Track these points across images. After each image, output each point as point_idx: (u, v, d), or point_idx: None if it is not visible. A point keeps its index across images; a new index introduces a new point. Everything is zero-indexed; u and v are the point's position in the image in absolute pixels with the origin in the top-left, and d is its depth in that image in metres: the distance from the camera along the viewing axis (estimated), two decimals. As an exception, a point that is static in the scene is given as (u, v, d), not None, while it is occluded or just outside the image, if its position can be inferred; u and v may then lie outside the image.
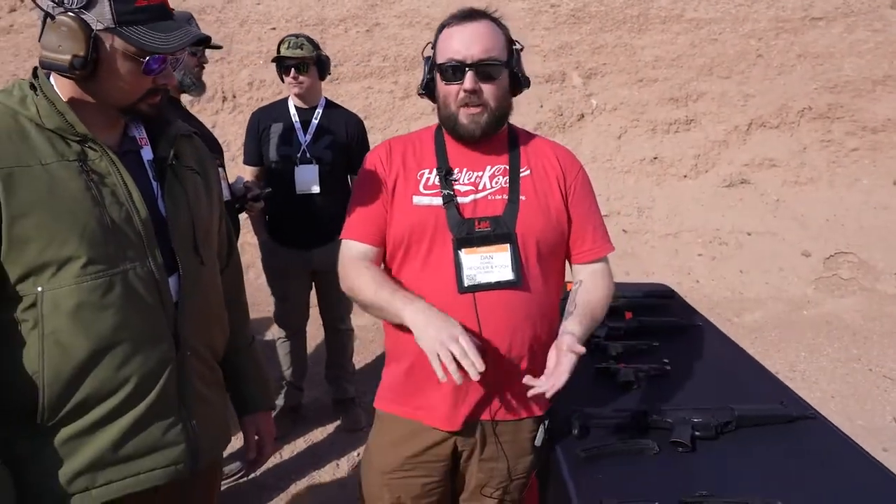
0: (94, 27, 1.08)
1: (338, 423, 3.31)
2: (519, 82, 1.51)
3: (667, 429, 1.57)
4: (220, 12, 6.56)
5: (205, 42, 1.23)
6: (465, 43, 1.42)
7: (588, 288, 1.53)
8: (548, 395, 1.32)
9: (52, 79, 1.17)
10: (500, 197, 1.49)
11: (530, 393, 1.34)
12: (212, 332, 1.36)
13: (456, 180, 1.50)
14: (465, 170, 1.51)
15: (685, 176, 6.14)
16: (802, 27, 6.90)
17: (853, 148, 6.27)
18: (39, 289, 1.07)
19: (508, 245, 1.43)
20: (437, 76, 1.48)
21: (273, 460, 3.01)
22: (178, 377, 1.24)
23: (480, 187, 1.50)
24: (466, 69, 1.41)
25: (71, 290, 1.09)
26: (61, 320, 1.09)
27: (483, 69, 1.42)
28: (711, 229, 5.63)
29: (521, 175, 1.52)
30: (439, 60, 1.45)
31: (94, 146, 1.15)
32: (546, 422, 1.54)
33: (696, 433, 1.56)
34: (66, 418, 1.13)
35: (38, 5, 1.09)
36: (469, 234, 1.43)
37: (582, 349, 1.35)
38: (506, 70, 1.46)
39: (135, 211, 1.17)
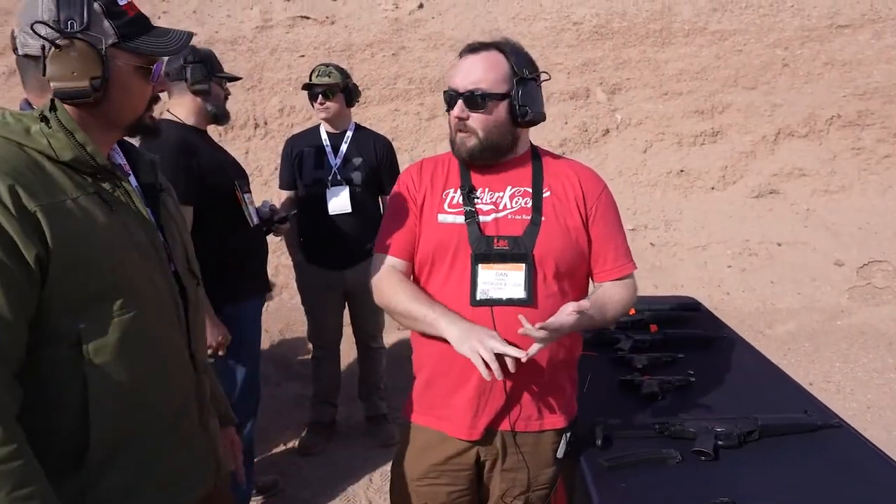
0: (101, 46, 1.06)
1: (371, 439, 3.38)
2: (520, 108, 1.53)
3: (690, 438, 1.60)
4: (251, 42, 6.78)
5: (190, 37, 1.22)
6: (460, 74, 1.54)
7: (606, 288, 1.62)
8: (537, 340, 1.40)
9: None
10: (520, 217, 1.56)
11: (520, 331, 1.38)
12: (205, 349, 1.42)
13: (478, 199, 1.58)
14: (486, 190, 1.59)
15: (713, 188, 6.11)
16: (829, 35, 6.85)
17: (885, 155, 6.18)
18: (82, 325, 1.04)
19: (524, 265, 1.50)
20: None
21: (308, 475, 3.09)
22: (198, 395, 1.28)
23: (501, 207, 1.57)
24: (459, 98, 1.53)
25: (114, 322, 1.07)
26: (106, 355, 1.06)
27: (470, 99, 1.52)
28: (741, 240, 5.59)
29: (543, 196, 1.58)
30: (445, 88, 1.57)
31: (108, 177, 1.14)
32: (568, 434, 1.59)
33: (719, 442, 1.58)
34: (114, 452, 1.10)
35: (37, 34, 1.04)
36: (487, 250, 1.51)
37: (587, 304, 1.42)
38: (500, 101, 1.53)
39: (154, 238, 1.19)
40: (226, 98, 2.66)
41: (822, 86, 6.56)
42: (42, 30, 1.03)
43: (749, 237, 5.62)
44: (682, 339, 2.25)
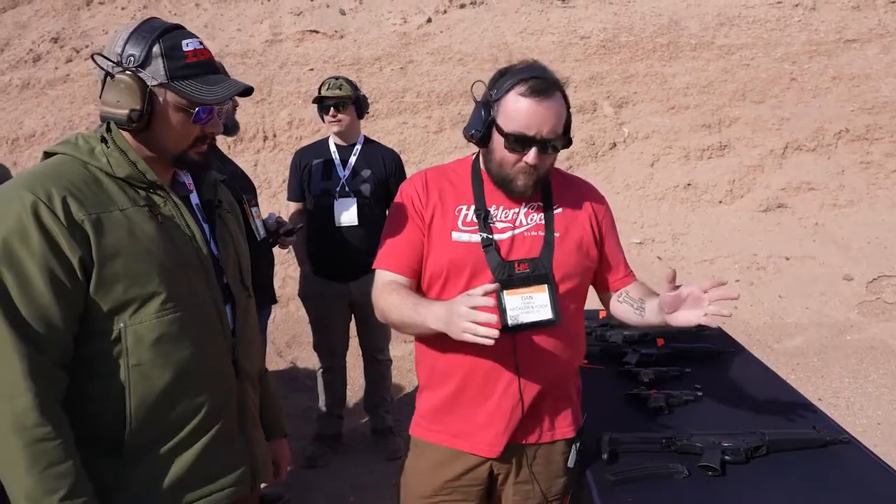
0: (149, 83, 1.18)
1: (376, 451, 3.37)
2: (567, 144, 1.56)
3: (697, 453, 1.59)
4: (261, 55, 6.85)
5: (249, 93, 1.32)
6: (537, 120, 1.45)
7: (633, 288, 1.66)
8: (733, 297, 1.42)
9: None
10: (535, 233, 1.56)
11: (721, 296, 1.41)
12: (255, 359, 1.46)
13: (493, 217, 1.56)
14: (501, 207, 1.58)
15: (720, 201, 6.11)
16: (836, 49, 6.87)
17: (894, 169, 6.17)
18: (122, 324, 1.16)
19: (546, 285, 1.50)
20: (497, 135, 1.50)
21: (314, 487, 3.09)
22: (237, 401, 1.34)
23: (517, 224, 1.56)
24: (533, 144, 1.46)
25: (152, 324, 1.18)
26: (144, 353, 1.17)
27: (544, 147, 1.47)
28: (748, 255, 5.58)
29: (555, 212, 1.59)
30: (507, 127, 1.46)
31: (160, 192, 1.25)
32: (577, 444, 1.59)
33: (726, 457, 1.57)
34: (148, 445, 1.20)
35: (99, 66, 1.19)
36: (510, 276, 1.50)
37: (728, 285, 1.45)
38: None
39: (198, 250, 1.28)
40: (235, 109, 2.69)
41: (830, 100, 6.56)
42: (103, 61, 1.19)
43: (757, 251, 5.60)
44: (689, 353, 2.24)
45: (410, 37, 7.03)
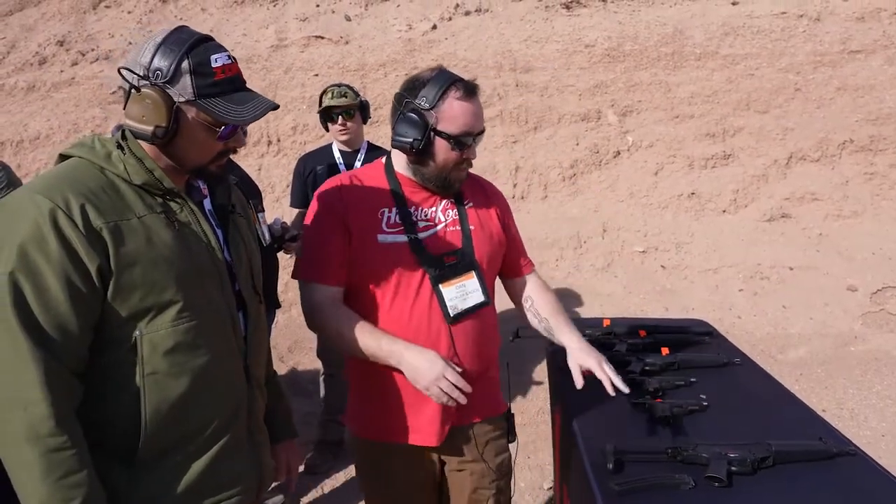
0: (176, 100, 1.16)
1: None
2: None
3: (702, 464, 1.58)
4: (266, 60, 6.87)
5: (274, 110, 1.30)
6: (477, 118, 1.61)
7: (541, 299, 1.84)
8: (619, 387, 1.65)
9: None
10: (453, 228, 1.70)
11: (615, 385, 1.66)
12: (263, 365, 1.46)
13: (415, 217, 1.66)
14: (420, 207, 1.68)
15: (724, 211, 6.10)
16: (841, 60, 6.87)
17: (898, 180, 6.15)
18: (138, 332, 1.14)
19: (474, 271, 1.66)
20: (440, 140, 1.60)
21: (315, 493, 3.07)
22: (248, 408, 1.33)
23: (436, 221, 1.68)
24: (474, 140, 1.62)
25: (168, 332, 1.17)
26: (160, 361, 1.16)
27: (479, 139, 1.66)
28: (752, 264, 5.56)
29: (466, 207, 1.74)
30: (451, 130, 1.58)
31: (177, 199, 1.24)
32: (512, 417, 1.78)
33: (733, 468, 1.56)
34: (162, 453, 1.20)
35: (124, 79, 1.17)
36: (441, 269, 1.61)
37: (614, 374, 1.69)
38: None
39: (214, 256, 1.27)
40: None
41: (834, 110, 6.56)
42: (129, 74, 1.17)
43: (761, 261, 5.58)
44: (694, 363, 2.23)
45: (415, 43, 7.04)
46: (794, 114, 6.59)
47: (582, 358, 1.70)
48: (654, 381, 2.05)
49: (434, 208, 1.69)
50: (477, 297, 1.65)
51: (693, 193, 6.17)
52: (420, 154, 1.60)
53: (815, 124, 6.48)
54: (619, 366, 2.20)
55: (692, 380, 2.08)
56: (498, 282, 1.93)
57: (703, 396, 1.94)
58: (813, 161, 6.35)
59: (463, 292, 1.63)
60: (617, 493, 1.50)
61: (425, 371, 1.50)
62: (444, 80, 1.58)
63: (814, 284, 5.38)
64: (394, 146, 1.63)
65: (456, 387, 1.51)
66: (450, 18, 7.33)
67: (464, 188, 1.75)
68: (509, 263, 1.86)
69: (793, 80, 6.77)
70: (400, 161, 1.69)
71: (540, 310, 1.82)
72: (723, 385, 2.10)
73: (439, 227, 1.67)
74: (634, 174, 6.34)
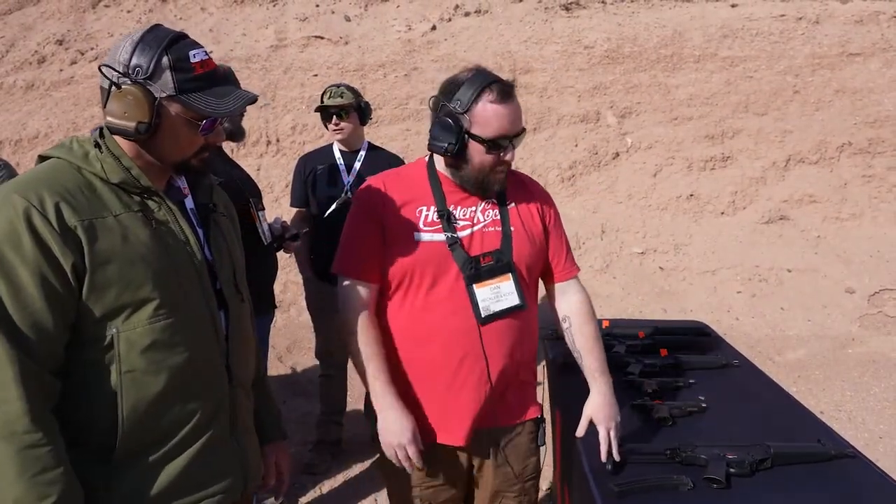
0: (157, 96, 1.17)
1: (376, 457, 3.34)
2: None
3: (701, 465, 1.58)
4: (265, 61, 6.87)
5: (254, 102, 1.32)
6: (511, 121, 1.58)
7: (580, 332, 1.76)
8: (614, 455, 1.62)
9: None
10: (493, 229, 1.67)
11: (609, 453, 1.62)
12: (249, 364, 1.45)
13: (454, 217, 1.65)
14: (459, 207, 1.67)
15: (722, 213, 6.11)
16: (839, 63, 6.89)
17: (896, 183, 6.17)
18: (115, 330, 1.14)
19: (510, 274, 1.64)
20: (474, 143, 1.59)
21: (313, 494, 3.07)
22: (230, 407, 1.32)
23: (475, 221, 1.66)
24: (510, 143, 1.60)
25: (144, 330, 1.16)
26: (136, 359, 1.16)
27: (518, 141, 1.63)
28: (750, 266, 5.57)
29: (508, 208, 1.71)
30: (486, 134, 1.57)
31: (155, 198, 1.24)
32: (543, 422, 1.74)
33: (731, 470, 1.56)
34: (140, 451, 1.19)
35: (104, 75, 1.17)
36: (477, 270, 1.60)
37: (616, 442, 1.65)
38: None
39: (192, 255, 1.26)
40: (241, 116, 2.69)
41: (832, 113, 6.58)
42: (110, 71, 1.17)
43: (759, 263, 5.60)
44: (693, 365, 2.24)
45: (415, 44, 7.05)
46: (793, 116, 6.61)
47: (596, 414, 1.67)
48: (653, 383, 2.06)
49: (474, 208, 1.67)
50: (512, 299, 1.63)
51: (692, 195, 6.19)
52: (456, 157, 1.61)
53: (813, 127, 6.50)
54: (619, 367, 2.21)
55: (691, 381, 2.09)
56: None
57: (702, 398, 1.95)
58: (811, 163, 6.36)
59: (497, 294, 1.62)
60: (616, 493, 1.51)
61: (393, 433, 1.57)
62: (479, 83, 1.57)
63: (812, 286, 5.39)
64: (430, 149, 1.65)
65: (409, 460, 1.57)
66: (449, 19, 7.34)
67: (507, 188, 1.72)
68: (548, 268, 1.80)
69: (791, 83, 6.79)
70: (441, 161, 1.70)
71: (576, 340, 1.76)
72: (721, 387, 2.11)
73: (478, 227, 1.66)
74: (633, 176, 6.35)
